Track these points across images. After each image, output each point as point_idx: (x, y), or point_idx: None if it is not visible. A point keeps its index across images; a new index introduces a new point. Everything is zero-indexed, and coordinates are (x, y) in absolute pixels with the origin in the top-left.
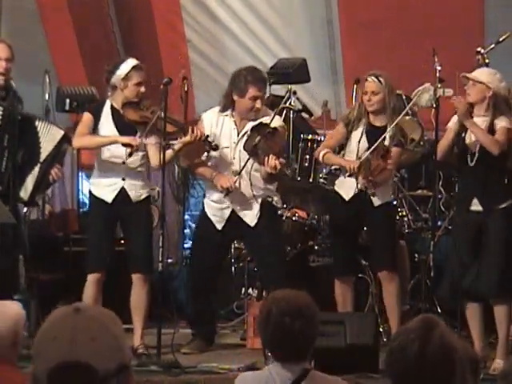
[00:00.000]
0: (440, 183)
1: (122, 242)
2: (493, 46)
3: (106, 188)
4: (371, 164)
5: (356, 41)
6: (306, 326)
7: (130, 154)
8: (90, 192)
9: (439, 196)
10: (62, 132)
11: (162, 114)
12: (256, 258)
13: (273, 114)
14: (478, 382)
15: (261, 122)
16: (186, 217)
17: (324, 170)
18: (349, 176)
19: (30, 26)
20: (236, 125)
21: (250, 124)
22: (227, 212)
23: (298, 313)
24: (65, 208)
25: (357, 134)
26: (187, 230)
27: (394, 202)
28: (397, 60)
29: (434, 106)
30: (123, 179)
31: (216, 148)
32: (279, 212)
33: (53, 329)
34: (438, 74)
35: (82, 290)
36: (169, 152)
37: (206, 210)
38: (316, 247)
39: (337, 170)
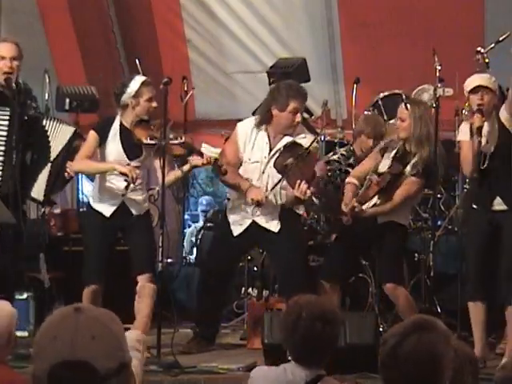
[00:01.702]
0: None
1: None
2: (493, 45)
3: (105, 203)
4: (367, 188)
5: (356, 41)
6: (335, 331)
7: (127, 187)
8: (89, 203)
9: (439, 195)
10: (73, 129)
11: (171, 136)
12: (277, 263)
13: (308, 136)
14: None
15: (295, 142)
16: (186, 216)
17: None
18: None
19: (30, 26)
20: (269, 139)
21: (284, 140)
22: (248, 221)
23: (328, 319)
24: (65, 208)
25: (387, 159)
26: (187, 230)
27: (404, 224)
28: (397, 60)
29: (434, 105)
30: (123, 195)
31: (225, 173)
32: (301, 217)
33: (53, 328)
34: (437, 74)
35: (81, 289)
36: (177, 173)
37: (229, 217)
38: (316, 247)
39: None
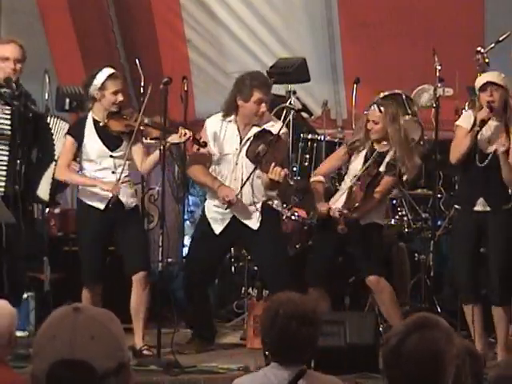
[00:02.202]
0: (440, 183)
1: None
2: (493, 45)
3: (97, 195)
4: (351, 196)
5: (356, 41)
6: (312, 332)
7: (110, 200)
8: (79, 199)
9: (439, 195)
10: (68, 124)
11: (145, 120)
12: (259, 261)
13: (277, 123)
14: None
15: (264, 129)
16: (186, 216)
17: None
18: (317, 220)
19: (30, 26)
20: (239, 131)
21: (253, 130)
22: (228, 217)
23: (305, 318)
24: (65, 208)
25: (358, 159)
26: (187, 230)
27: (382, 224)
28: (397, 60)
29: (434, 105)
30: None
31: (205, 145)
32: (280, 215)
33: (52, 328)
34: (437, 74)
35: (81, 289)
36: (155, 154)
37: (206, 213)
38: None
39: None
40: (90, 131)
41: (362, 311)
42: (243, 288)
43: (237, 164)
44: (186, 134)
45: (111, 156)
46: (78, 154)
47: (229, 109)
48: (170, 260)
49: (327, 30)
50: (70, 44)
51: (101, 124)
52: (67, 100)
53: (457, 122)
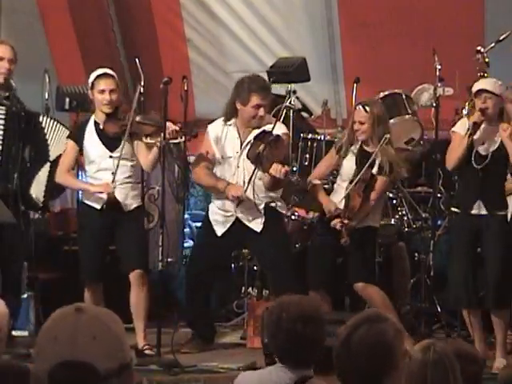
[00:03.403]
0: (440, 182)
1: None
2: (493, 44)
3: (95, 196)
4: (351, 201)
5: (356, 41)
6: (317, 331)
7: (104, 203)
8: (80, 200)
9: (439, 195)
10: (68, 132)
11: (137, 118)
12: (263, 263)
13: (274, 122)
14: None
15: (264, 130)
16: (186, 216)
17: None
18: (328, 218)
19: (30, 26)
20: (239, 134)
21: (254, 133)
22: (231, 219)
23: (309, 319)
24: (64, 207)
25: (347, 161)
26: (187, 230)
27: (377, 226)
28: (397, 60)
29: (434, 105)
30: (114, 187)
31: (196, 135)
32: (284, 217)
33: (54, 328)
34: (437, 74)
35: (81, 289)
36: (154, 151)
37: (210, 215)
38: None
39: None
40: (90, 133)
41: (361, 311)
42: (243, 288)
43: (238, 167)
44: (175, 130)
45: (111, 156)
46: (80, 158)
47: (229, 112)
48: (169, 260)
49: (327, 30)
50: (70, 44)
51: (100, 126)
52: (67, 100)
53: (453, 129)
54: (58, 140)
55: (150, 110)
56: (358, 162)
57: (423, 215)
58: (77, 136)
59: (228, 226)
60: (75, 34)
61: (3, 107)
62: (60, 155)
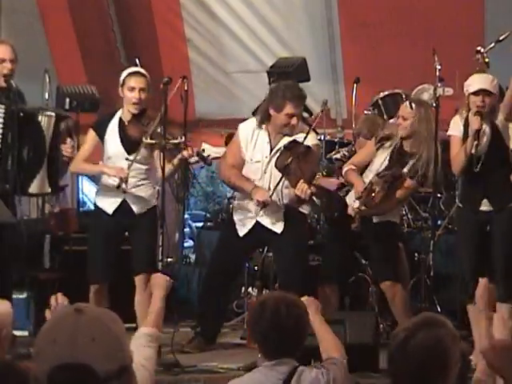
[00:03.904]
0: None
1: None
2: (493, 44)
3: (107, 200)
4: (372, 194)
5: (356, 41)
6: (300, 318)
7: (118, 186)
8: (94, 204)
9: (439, 195)
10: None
11: (159, 130)
12: (277, 263)
13: (306, 133)
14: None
15: (295, 140)
16: (186, 216)
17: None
18: (356, 199)
19: (30, 26)
20: (270, 139)
21: (284, 140)
22: (252, 221)
23: (293, 302)
24: (65, 207)
25: (383, 154)
26: (187, 230)
27: (396, 221)
28: (397, 60)
29: (434, 105)
30: (124, 192)
31: (210, 163)
32: (305, 217)
33: (54, 329)
34: (437, 74)
35: (81, 289)
36: (169, 167)
37: (235, 216)
38: (316, 246)
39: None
40: (113, 129)
41: (361, 311)
42: (243, 287)
43: (265, 172)
44: (192, 154)
45: (127, 159)
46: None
47: (262, 117)
48: (169, 260)
49: (327, 29)
50: (70, 44)
51: (125, 124)
52: (67, 100)
53: (448, 133)
54: (47, 127)
55: (173, 127)
56: (393, 157)
57: (423, 215)
58: (99, 127)
59: (249, 227)
60: (75, 34)
61: (2, 106)
62: (51, 140)
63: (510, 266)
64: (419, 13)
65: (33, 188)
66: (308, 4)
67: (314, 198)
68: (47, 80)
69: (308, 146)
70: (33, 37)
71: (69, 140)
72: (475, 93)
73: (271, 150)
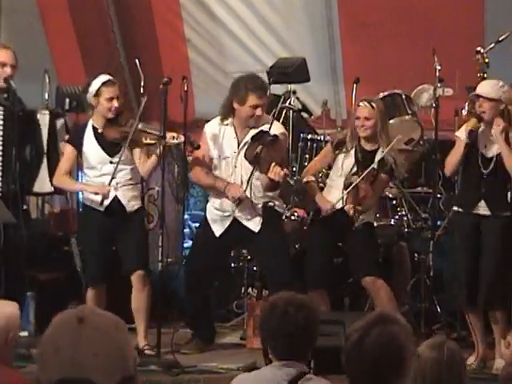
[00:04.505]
0: (440, 182)
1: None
2: (492, 45)
3: (98, 197)
4: (359, 191)
5: (356, 41)
6: (309, 319)
7: (101, 203)
8: (83, 204)
9: (439, 195)
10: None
11: (140, 126)
12: (261, 263)
13: (271, 122)
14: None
15: (261, 130)
16: (186, 216)
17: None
18: (323, 217)
19: (30, 26)
20: (236, 133)
21: (251, 132)
22: (228, 220)
23: (302, 305)
24: (64, 208)
25: (346, 158)
26: (187, 230)
27: (375, 224)
28: (397, 60)
29: (434, 105)
30: (115, 189)
31: (198, 147)
32: (281, 216)
33: (55, 339)
34: (437, 74)
35: (81, 289)
36: (152, 159)
37: (208, 215)
38: None
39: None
40: (89, 138)
41: (361, 311)
42: (243, 288)
43: (236, 167)
44: (177, 137)
45: (111, 162)
46: (79, 162)
47: (226, 112)
48: (169, 260)
49: (327, 30)
50: (70, 44)
51: (99, 131)
52: (67, 100)
53: (456, 133)
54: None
55: (152, 118)
56: (359, 159)
57: (423, 215)
58: (75, 140)
59: (226, 225)
60: (75, 34)
61: (2, 107)
62: (48, 138)
63: (495, 277)
64: (419, 13)
65: (36, 187)
66: (308, 4)
67: (288, 179)
68: (47, 80)
69: (275, 135)
70: (33, 37)
71: (67, 137)
72: (476, 98)
73: (239, 144)
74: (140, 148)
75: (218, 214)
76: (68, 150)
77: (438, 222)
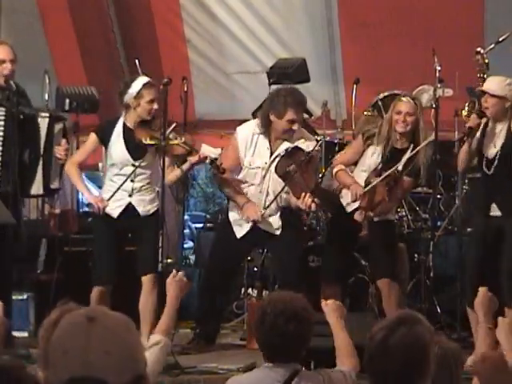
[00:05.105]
0: (440, 183)
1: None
2: (492, 45)
3: (112, 203)
4: (376, 194)
5: (356, 41)
6: (300, 329)
7: (100, 210)
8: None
9: (439, 196)
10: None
11: (173, 140)
12: (274, 263)
13: (309, 141)
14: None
15: (296, 147)
16: (186, 217)
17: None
18: (353, 201)
19: (30, 26)
20: (270, 144)
21: (284, 145)
22: (249, 224)
23: (293, 315)
24: (64, 208)
25: (374, 151)
26: (187, 231)
27: (394, 219)
28: (397, 60)
29: (434, 106)
30: (130, 195)
31: (223, 171)
32: (301, 217)
33: (66, 340)
34: (437, 74)
35: (81, 289)
36: (177, 172)
37: (230, 216)
38: (316, 247)
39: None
40: (117, 136)
41: (361, 311)
42: (243, 288)
43: (264, 177)
44: (205, 157)
45: (133, 165)
46: (82, 167)
47: (262, 122)
48: (169, 260)
49: (327, 30)
50: (70, 44)
51: (131, 128)
52: (67, 100)
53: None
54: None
55: (185, 133)
56: (387, 156)
57: (423, 216)
58: (103, 133)
59: (247, 229)
60: (75, 34)
61: (3, 108)
62: (45, 141)
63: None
64: (419, 13)
65: (33, 190)
66: (308, 4)
67: (318, 209)
68: (47, 81)
69: (309, 153)
70: (33, 37)
71: (63, 142)
72: (482, 92)
73: (271, 155)
74: (169, 158)
75: (239, 217)
76: (91, 140)
77: (438, 223)
